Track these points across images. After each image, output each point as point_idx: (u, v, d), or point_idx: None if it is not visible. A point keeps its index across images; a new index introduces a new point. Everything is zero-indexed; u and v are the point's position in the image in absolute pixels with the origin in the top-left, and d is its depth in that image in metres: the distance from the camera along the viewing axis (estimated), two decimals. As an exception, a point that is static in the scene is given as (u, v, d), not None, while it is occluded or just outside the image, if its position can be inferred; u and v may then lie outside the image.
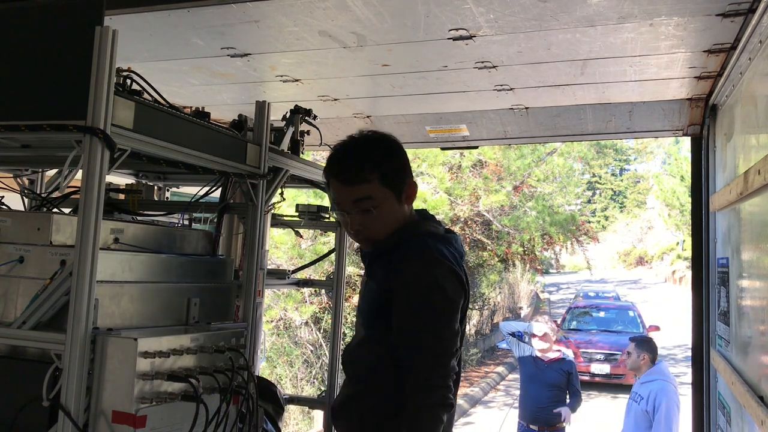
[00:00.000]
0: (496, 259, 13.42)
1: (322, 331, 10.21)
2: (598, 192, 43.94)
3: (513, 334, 6.16)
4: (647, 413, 4.96)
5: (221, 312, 2.40)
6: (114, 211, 2.63)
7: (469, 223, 11.98)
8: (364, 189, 2.01)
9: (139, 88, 2.08)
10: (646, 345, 5.41)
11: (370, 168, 2.01)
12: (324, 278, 6.21)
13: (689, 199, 4.80)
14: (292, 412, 8.80)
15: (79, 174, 1.82)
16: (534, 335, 5.81)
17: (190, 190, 2.78)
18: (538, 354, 5.79)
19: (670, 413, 4.89)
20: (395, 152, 2.11)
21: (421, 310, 1.90)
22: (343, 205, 2.05)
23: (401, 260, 1.97)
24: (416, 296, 1.92)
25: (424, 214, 2.19)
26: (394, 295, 1.94)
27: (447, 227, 2.21)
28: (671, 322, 17.21)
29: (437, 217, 2.39)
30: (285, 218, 3.46)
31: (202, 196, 2.62)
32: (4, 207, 2.35)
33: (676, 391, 5.07)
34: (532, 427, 5.73)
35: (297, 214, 3.37)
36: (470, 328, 16.10)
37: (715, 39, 2.40)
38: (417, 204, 2.16)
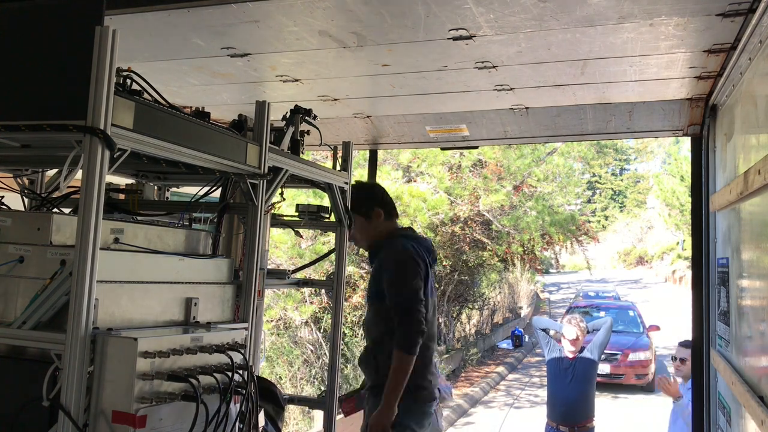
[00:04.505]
0: (496, 258, 13.42)
1: (322, 330, 10.22)
2: (598, 192, 43.94)
3: (545, 331, 6.16)
4: None
5: (221, 312, 2.40)
6: (114, 211, 2.63)
7: (469, 222, 11.98)
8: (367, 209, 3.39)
9: (139, 88, 2.08)
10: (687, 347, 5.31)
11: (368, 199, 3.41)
12: (324, 278, 6.21)
13: (689, 199, 4.79)
14: (292, 412, 8.79)
15: (79, 174, 1.82)
16: (564, 337, 5.83)
17: (190, 190, 2.77)
18: (566, 354, 5.82)
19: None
20: (359, 195, 3.42)
21: (396, 276, 3.18)
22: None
23: (384, 255, 3.28)
24: (392, 271, 3.19)
25: (402, 228, 3.47)
26: (383, 275, 3.20)
27: (419, 233, 3.56)
28: (671, 322, 17.21)
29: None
30: (285, 218, 3.46)
31: (202, 196, 2.62)
32: (4, 207, 2.35)
33: None
34: (561, 428, 5.70)
35: (297, 214, 3.37)
36: (470, 328, 16.12)
37: (715, 39, 2.40)
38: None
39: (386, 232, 3.37)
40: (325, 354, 9.73)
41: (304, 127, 3.15)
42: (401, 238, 3.31)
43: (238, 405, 2.15)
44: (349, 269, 10.15)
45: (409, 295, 3.13)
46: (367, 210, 3.40)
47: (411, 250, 3.23)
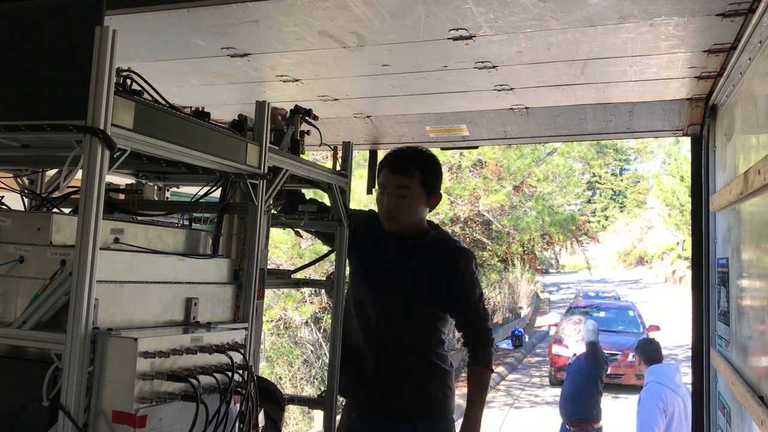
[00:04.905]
0: (496, 259, 13.44)
1: (322, 330, 10.22)
2: (598, 192, 43.94)
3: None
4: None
5: (221, 312, 2.40)
6: (114, 211, 2.63)
7: (469, 223, 11.99)
8: (405, 180, 2.83)
9: (139, 88, 2.08)
10: (638, 348, 5.48)
11: (416, 168, 2.84)
12: (324, 278, 6.20)
13: (689, 199, 4.80)
14: (292, 412, 8.80)
15: (79, 174, 1.82)
16: (560, 341, 6.08)
17: (190, 190, 2.77)
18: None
19: (646, 410, 4.94)
20: (436, 166, 2.96)
21: (478, 286, 2.93)
22: (387, 188, 2.86)
23: (453, 254, 2.90)
24: (474, 278, 2.90)
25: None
26: (452, 279, 2.82)
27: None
28: (671, 322, 17.21)
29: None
30: (285, 218, 3.45)
31: (202, 196, 2.62)
32: (4, 207, 2.35)
33: (661, 392, 5.04)
34: (568, 427, 5.90)
35: (297, 214, 3.37)
36: (470, 328, 16.09)
37: (715, 39, 2.40)
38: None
39: (427, 225, 2.98)
40: (325, 354, 9.73)
41: (304, 127, 3.15)
42: (453, 239, 3.15)
43: (238, 405, 2.15)
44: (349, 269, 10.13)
45: (485, 305, 2.96)
46: (434, 187, 2.91)
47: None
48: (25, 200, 2.72)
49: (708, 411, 3.14)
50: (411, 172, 2.83)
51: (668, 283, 32.73)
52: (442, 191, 3.09)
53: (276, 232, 8.24)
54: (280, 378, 9.56)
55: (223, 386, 2.02)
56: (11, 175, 2.76)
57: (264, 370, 8.98)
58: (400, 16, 2.30)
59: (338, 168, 3.41)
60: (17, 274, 1.91)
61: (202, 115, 2.46)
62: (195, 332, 2.06)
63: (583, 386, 5.92)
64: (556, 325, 13.47)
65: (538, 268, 18.40)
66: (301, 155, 3.07)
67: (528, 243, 12.75)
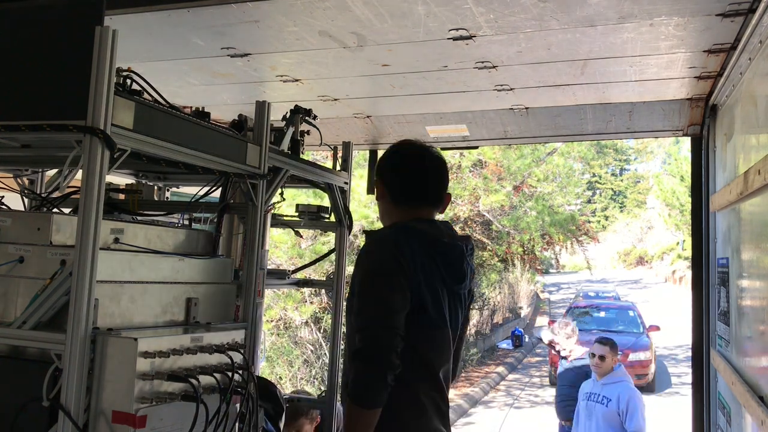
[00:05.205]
0: (496, 259, 13.42)
1: (322, 331, 10.21)
2: (598, 192, 43.92)
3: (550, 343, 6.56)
4: (620, 415, 5.06)
5: (221, 312, 2.40)
6: (114, 211, 2.63)
7: (469, 223, 11.98)
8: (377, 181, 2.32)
9: (139, 88, 2.08)
10: (617, 346, 5.56)
11: (378, 167, 2.34)
12: (324, 278, 6.21)
13: (689, 199, 4.81)
14: (292, 412, 8.77)
15: (79, 174, 1.82)
16: (553, 343, 6.15)
17: (190, 190, 2.78)
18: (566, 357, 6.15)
19: (643, 412, 5.14)
20: (394, 160, 2.32)
21: (360, 285, 2.07)
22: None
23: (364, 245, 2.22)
24: (358, 276, 2.09)
25: (418, 219, 2.29)
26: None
27: (447, 232, 2.38)
28: (671, 322, 17.20)
29: (438, 217, 2.53)
30: (285, 218, 3.46)
31: (202, 196, 2.62)
32: (4, 207, 2.35)
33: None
34: (564, 424, 6.04)
35: (297, 214, 3.37)
36: (470, 328, 16.11)
37: (715, 39, 2.40)
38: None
39: (394, 223, 2.25)
40: (325, 354, 9.72)
41: (304, 127, 3.15)
42: (394, 228, 2.19)
43: (238, 405, 2.15)
44: (349, 269, 10.12)
45: (371, 316, 2.00)
46: (377, 179, 2.32)
47: (394, 246, 2.07)
48: (25, 200, 2.72)
49: (708, 411, 3.14)
50: (377, 172, 2.38)
51: (668, 283, 32.71)
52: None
53: (276, 232, 8.23)
54: (280, 378, 9.56)
55: (223, 386, 2.03)
56: (11, 175, 2.76)
57: (264, 370, 8.98)
58: (400, 16, 2.30)
59: (338, 168, 3.41)
60: (17, 274, 1.91)
61: (202, 115, 2.46)
62: (195, 332, 2.06)
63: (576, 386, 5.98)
64: (552, 323, 13.46)
65: (538, 268, 18.41)
66: (301, 155, 3.07)
67: (528, 243, 12.75)
